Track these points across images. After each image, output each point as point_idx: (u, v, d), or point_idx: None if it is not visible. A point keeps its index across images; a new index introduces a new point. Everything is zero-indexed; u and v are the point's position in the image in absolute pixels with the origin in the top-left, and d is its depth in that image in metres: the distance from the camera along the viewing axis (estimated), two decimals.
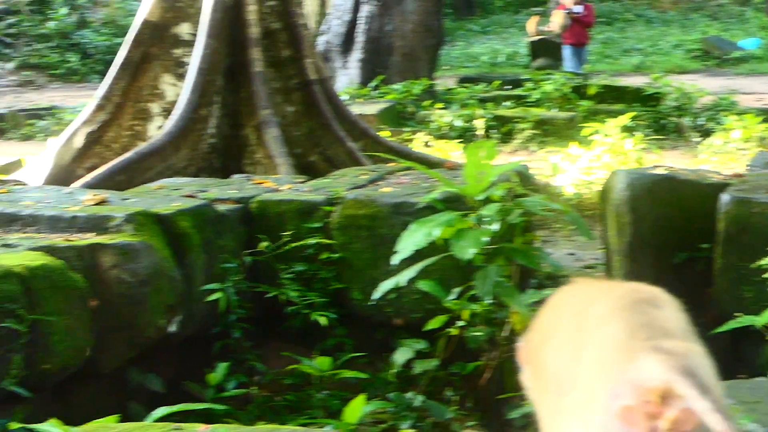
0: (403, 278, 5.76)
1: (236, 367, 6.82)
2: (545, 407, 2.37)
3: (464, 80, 25.00)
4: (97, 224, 6.33)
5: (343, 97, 17.14)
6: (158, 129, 11.37)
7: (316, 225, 7.11)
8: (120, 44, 12.14)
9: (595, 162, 13.08)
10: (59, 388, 6.19)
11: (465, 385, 6.69)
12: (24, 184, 8.49)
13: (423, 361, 6.45)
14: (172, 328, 6.45)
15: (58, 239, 6.18)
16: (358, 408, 5.25)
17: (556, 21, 26.84)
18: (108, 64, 31.21)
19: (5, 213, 6.53)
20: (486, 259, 5.75)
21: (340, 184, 7.68)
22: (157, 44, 11.58)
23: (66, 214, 6.42)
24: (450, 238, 5.69)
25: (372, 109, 18.87)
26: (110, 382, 6.54)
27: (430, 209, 6.29)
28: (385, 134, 13.99)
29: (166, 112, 11.48)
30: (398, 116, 19.71)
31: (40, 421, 4.51)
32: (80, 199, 6.92)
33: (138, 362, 6.59)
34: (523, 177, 7.58)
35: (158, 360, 6.75)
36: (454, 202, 6.12)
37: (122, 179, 10.25)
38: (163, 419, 4.52)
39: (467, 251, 5.55)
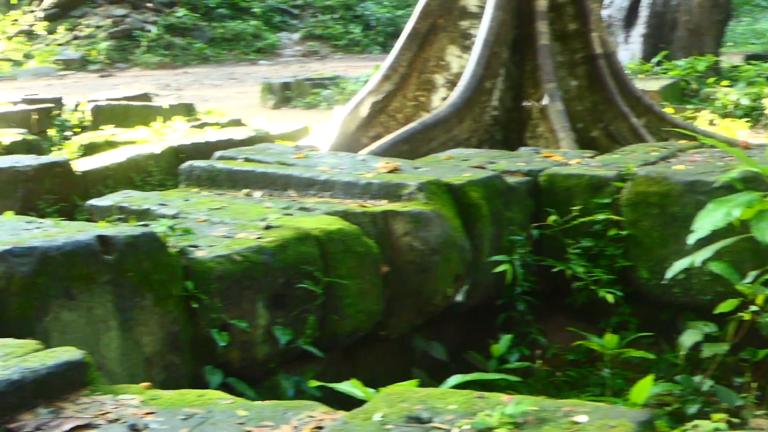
0: (698, 258, 5.56)
1: (519, 339, 6.81)
2: None
3: (751, 57, 24.05)
4: (391, 191, 6.44)
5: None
6: (442, 100, 11.48)
7: (605, 201, 6.99)
8: (401, 16, 12.39)
9: None
10: (348, 350, 6.35)
11: (755, 372, 6.43)
12: (319, 150, 8.72)
13: (712, 344, 6.22)
14: (459, 297, 6.50)
15: (353, 204, 6.32)
16: (645, 388, 5.09)
17: None
18: (389, 35, 31.64)
19: (303, 177, 6.73)
20: None
21: (631, 160, 7.51)
22: (445, 16, 11.66)
23: (361, 181, 6.55)
24: (749, 220, 5.45)
25: (654, 85, 18.43)
26: (396, 347, 6.65)
27: (727, 189, 6.05)
28: (668, 111, 13.61)
29: (450, 83, 11.57)
30: (681, 93, 19.16)
31: (329, 381, 4.62)
32: (373, 166, 7.06)
33: (423, 329, 6.68)
34: None
35: (442, 328, 6.82)
36: (753, 182, 5.87)
37: (406, 149, 10.40)
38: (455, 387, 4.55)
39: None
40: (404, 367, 6.59)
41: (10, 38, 32.82)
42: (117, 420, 3.61)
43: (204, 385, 5.07)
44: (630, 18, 22.75)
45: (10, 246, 4.71)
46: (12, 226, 5.34)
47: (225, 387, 5.14)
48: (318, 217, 6.03)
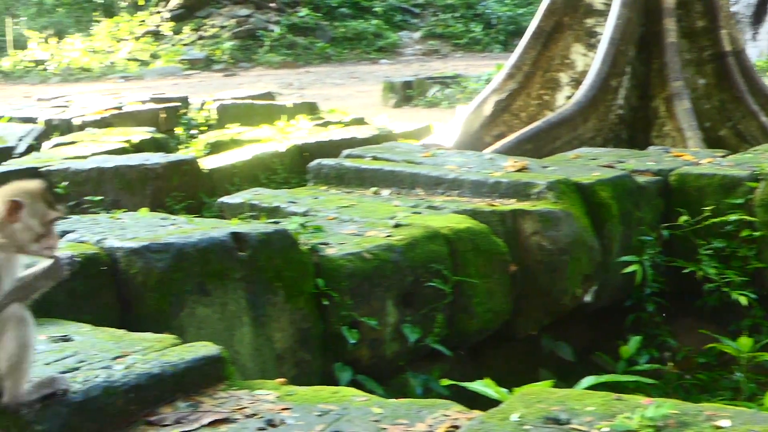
0: None
1: (647, 341, 6.70)
2: None
3: None
4: (519, 190, 6.40)
5: None
6: (567, 99, 11.37)
7: (738, 201, 6.84)
8: (522, 15, 12.34)
9: None
10: (474, 349, 6.33)
11: None
12: (446, 149, 8.72)
13: None
14: (587, 297, 6.43)
15: (481, 203, 6.30)
16: None
17: None
18: (510, 34, 31.46)
19: (431, 176, 6.73)
20: None
21: (764, 159, 7.34)
22: (570, 14, 11.55)
23: (489, 179, 6.53)
24: None
25: None
26: (522, 347, 6.61)
27: None
28: None
29: (575, 82, 11.46)
30: None
31: (455, 380, 4.60)
32: (501, 164, 7.02)
33: (550, 330, 6.63)
34: None
35: (570, 329, 6.75)
36: None
37: (530, 148, 10.33)
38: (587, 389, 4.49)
39: None
40: (530, 367, 6.55)
41: (137, 39, 33.54)
42: (254, 415, 3.65)
43: (333, 382, 5.10)
44: (758, 14, 22.25)
45: (147, 242, 4.81)
46: (147, 222, 5.45)
47: (354, 384, 5.16)
48: (447, 216, 6.03)
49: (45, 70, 31.16)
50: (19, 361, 3.34)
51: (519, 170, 6.81)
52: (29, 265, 3.51)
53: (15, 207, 3.36)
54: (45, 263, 3.48)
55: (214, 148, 11.78)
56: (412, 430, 3.50)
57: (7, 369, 3.34)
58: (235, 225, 5.28)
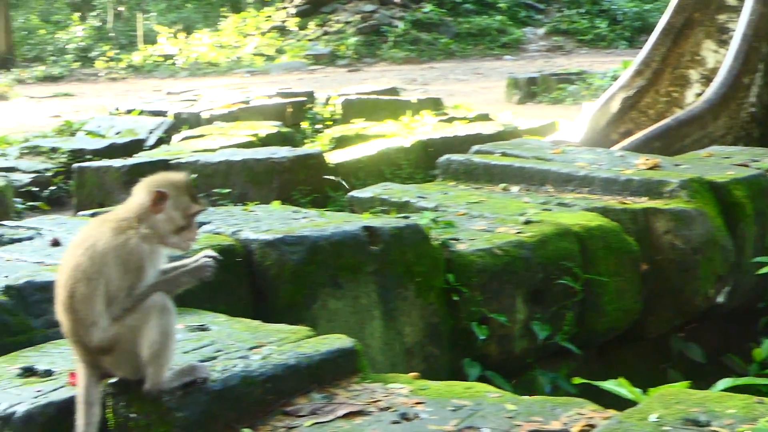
0: None
1: None
2: None
3: None
4: (651, 188, 6.32)
5: None
6: (696, 96, 11.16)
7: None
8: (649, 11, 12.13)
9: None
10: (602, 348, 6.28)
11: None
12: (575, 146, 8.65)
13: None
14: (720, 298, 6.31)
15: (612, 201, 6.23)
16: None
17: None
18: (636, 30, 30.95)
19: (561, 173, 6.68)
20: None
21: None
22: (701, 10, 11.33)
23: (620, 177, 6.46)
24: None
25: None
26: (651, 347, 6.52)
27: None
28: None
29: (705, 79, 11.24)
30: None
31: (583, 379, 4.56)
32: (633, 162, 6.94)
33: (680, 330, 6.53)
34: None
35: (700, 330, 6.64)
36: None
37: (658, 145, 10.16)
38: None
39: None
40: (657, 367, 6.47)
41: (263, 34, 33.95)
42: (388, 408, 3.68)
43: (460, 377, 5.10)
44: None
45: (282, 234, 4.87)
46: (280, 215, 5.52)
47: (482, 380, 5.15)
48: (577, 213, 5.98)
49: (174, 64, 31.77)
50: (161, 348, 3.42)
51: (651, 168, 6.72)
52: (173, 258, 3.60)
53: (160, 198, 3.44)
54: (191, 261, 3.56)
55: (339, 142, 11.87)
56: (546, 427, 3.49)
57: (150, 356, 3.42)
58: (367, 219, 5.33)
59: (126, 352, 3.42)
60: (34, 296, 4.40)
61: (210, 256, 3.56)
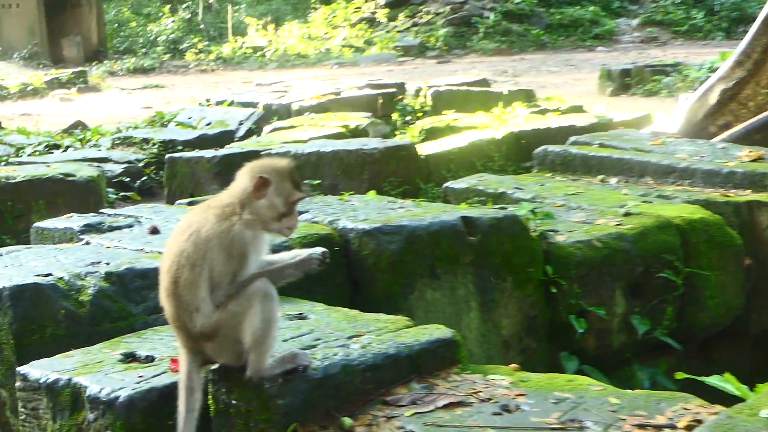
0: None
1: None
2: None
3: None
4: (756, 181, 6.18)
5: None
6: None
7: None
8: (747, 1, 11.82)
9: None
10: (702, 344, 6.15)
11: None
12: (675, 137, 8.50)
13: None
14: None
15: (715, 194, 6.11)
16: None
17: None
18: (733, 21, 30.37)
19: (661, 165, 6.57)
20: None
21: None
22: None
23: (723, 169, 6.33)
24: None
25: None
26: (752, 342, 6.38)
27: None
28: None
29: None
30: None
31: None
32: (736, 154, 6.80)
33: None
34: None
35: None
36: None
37: (759, 138, 9.94)
38: None
39: None
40: (758, 364, 6.31)
41: (352, 25, 34.07)
42: (488, 399, 3.63)
43: (557, 370, 5.02)
44: None
45: (380, 224, 4.85)
46: (376, 205, 5.50)
47: (579, 374, 5.07)
48: (678, 206, 5.87)
49: (263, 56, 32.02)
50: (263, 335, 3.41)
51: (754, 160, 6.57)
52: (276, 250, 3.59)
53: (263, 183, 3.43)
54: (298, 254, 3.55)
55: (430, 134, 11.82)
56: (651, 422, 3.41)
57: (252, 343, 3.41)
58: (465, 209, 5.27)
59: (228, 339, 3.41)
60: (134, 283, 4.43)
61: (318, 252, 3.55)
